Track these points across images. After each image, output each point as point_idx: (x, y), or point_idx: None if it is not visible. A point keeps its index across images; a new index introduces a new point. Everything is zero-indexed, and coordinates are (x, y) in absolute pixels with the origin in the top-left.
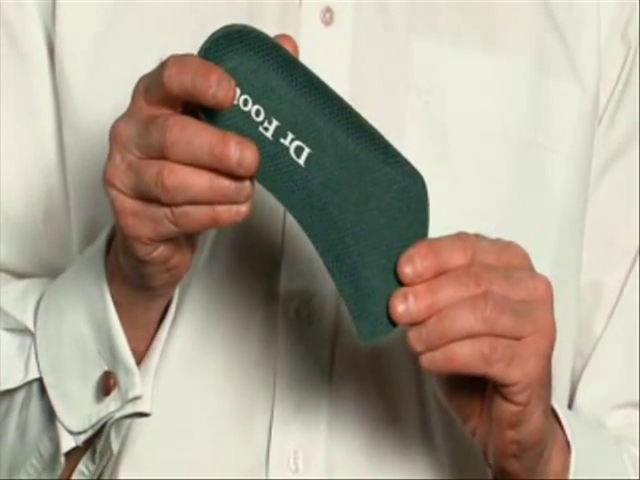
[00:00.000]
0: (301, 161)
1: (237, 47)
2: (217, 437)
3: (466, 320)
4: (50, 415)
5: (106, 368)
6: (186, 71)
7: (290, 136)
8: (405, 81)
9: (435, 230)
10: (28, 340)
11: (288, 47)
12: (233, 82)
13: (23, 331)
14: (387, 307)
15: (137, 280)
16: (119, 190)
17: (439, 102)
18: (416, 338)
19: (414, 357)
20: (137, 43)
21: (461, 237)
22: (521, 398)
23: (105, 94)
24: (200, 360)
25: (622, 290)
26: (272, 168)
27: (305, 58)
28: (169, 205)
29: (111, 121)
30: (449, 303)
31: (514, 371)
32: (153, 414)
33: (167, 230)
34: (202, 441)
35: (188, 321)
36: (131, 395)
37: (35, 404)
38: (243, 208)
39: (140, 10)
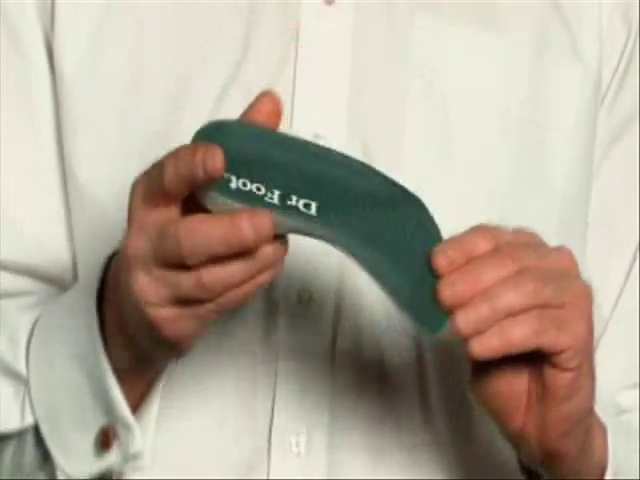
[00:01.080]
0: (312, 212)
1: (219, 139)
2: (219, 421)
3: (512, 296)
4: (47, 457)
5: (104, 423)
6: (181, 166)
7: (294, 197)
8: (407, 60)
9: (436, 211)
10: (22, 385)
11: (268, 103)
12: (216, 149)
13: (16, 375)
14: (435, 301)
15: (149, 356)
16: (157, 304)
17: (441, 81)
18: (464, 321)
19: (463, 347)
20: (135, 42)
21: (478, 228)
22: (574, 363)
23: (103, 92)
24: (200, 344)
25: (628, 274)
26: (289, 223)
27: (307, 37)
28: (211, 299)
29: (111, 117)
30: (491, 283)
31: (564, 337)
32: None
33: (211, 320)
34: (204, 425)
35: None
36: (132, 450)
37: (31, 446)
38: (278, 267)
39: (138, 9)
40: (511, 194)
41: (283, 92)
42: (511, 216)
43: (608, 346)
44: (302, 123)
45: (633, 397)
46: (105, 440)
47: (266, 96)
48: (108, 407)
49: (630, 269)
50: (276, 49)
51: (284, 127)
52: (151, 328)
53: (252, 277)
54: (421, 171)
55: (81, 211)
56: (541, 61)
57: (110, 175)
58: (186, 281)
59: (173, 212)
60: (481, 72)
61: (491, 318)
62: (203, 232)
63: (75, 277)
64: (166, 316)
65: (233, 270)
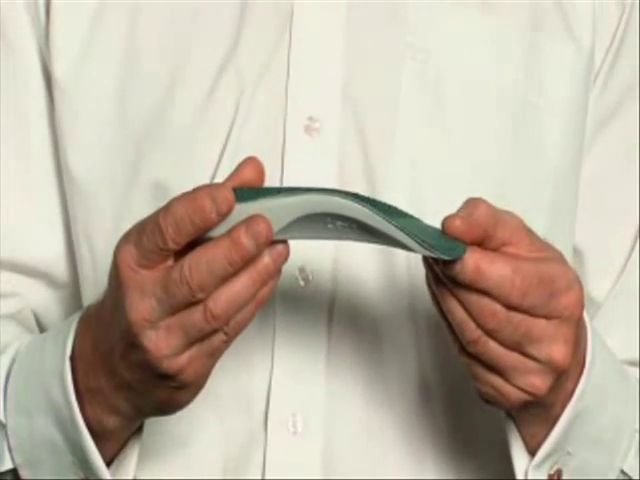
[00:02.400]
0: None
1: None
2: (216, 399)
3: None
4: None
5: (82, 476)
6: (181, 222)
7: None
8: (401, 40)
9: (430, 189)
10: (1, 430)
11: (251, 168)
12: (223, 188)
13: None
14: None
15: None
16: (172, 355)
17: (435, 61)
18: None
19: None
20: (129, 34)
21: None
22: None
23: (98, 85)
24: None
25: (629, 253)
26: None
27: (300, 21)
28: (221, 329)
29: (105, 110)
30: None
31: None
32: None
33: (223, 350)
34: (200, 405)
35: None
36: None
37: None
38: (278, 277)
39: (132, 1)
40: (505, 169)
41: (277, 76)
42: (503, 190)
43: (605, 323)
44: (296, 106)
45: (633, 375)
46: None
47: (248, 162)
48: (86, 466)
49: (632, 247)
50: (269, 34)
51: (278, 110)
52: (170, 379)
53: (255, 292)
54: (416, 151)
55: (78, 203)
56: (534, 40)
57: (105, 165)
58: (196, 316)
59: (170, 262)
60: (475, 52)
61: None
62: (207, 261)
63: (69, 268)
64: (182, 363)
65: (238, 289)
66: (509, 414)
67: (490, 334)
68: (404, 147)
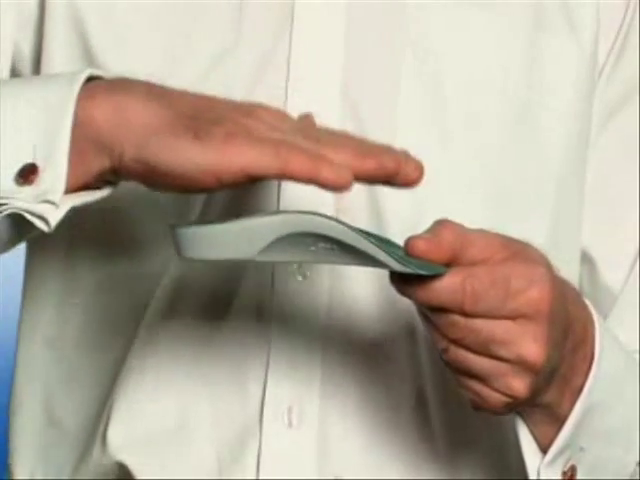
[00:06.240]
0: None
1: None
2: (211, 392)
3: None
4: None
5: (34, 162)
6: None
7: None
8: (400, 38)
9: (430, 187)
10: None
11: None
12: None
13: None
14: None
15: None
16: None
17: (435, 59)
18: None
19: None
20: (123, 41)
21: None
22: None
23: None
24: (195, 319)
25: (635, 242)
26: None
27: (301, 15)
28: None
29: None
30: None
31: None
32: (147, 370)
33: None
34: (196, 397)
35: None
36: (50, 197)
37: None
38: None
39: (126, 8)
40: (507, 169)
41: (276, 73)
42: (506, 190)
43: (620, 313)
44: (295, 103)
45: None
46: (26, 175)
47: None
48: (48, 151)
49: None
50: (269, 31)
51: (277, 107)
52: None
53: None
54: (416, 149)
55: None
56: (536, 37)
57: None
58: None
59: None
60: (476, 50)
61: None
62: None
63: None
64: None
65: None
66: (518, 412)
67: (456, 343)
68: (404, 145)
